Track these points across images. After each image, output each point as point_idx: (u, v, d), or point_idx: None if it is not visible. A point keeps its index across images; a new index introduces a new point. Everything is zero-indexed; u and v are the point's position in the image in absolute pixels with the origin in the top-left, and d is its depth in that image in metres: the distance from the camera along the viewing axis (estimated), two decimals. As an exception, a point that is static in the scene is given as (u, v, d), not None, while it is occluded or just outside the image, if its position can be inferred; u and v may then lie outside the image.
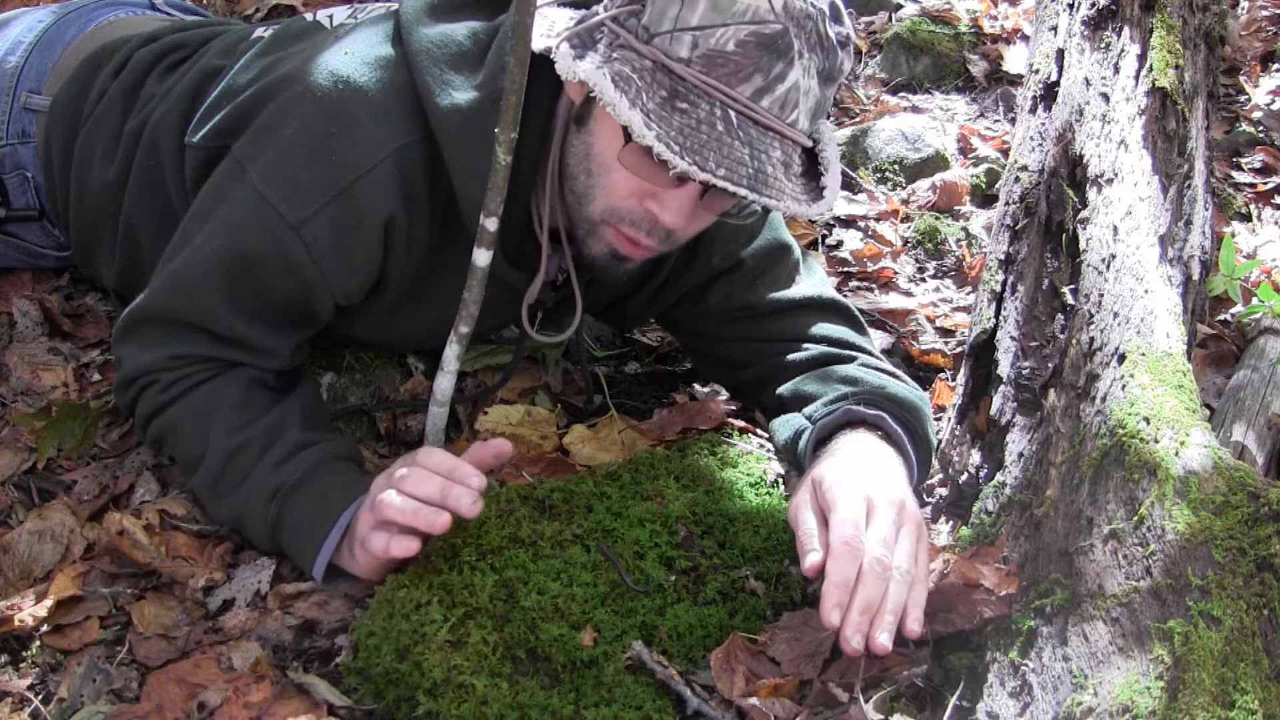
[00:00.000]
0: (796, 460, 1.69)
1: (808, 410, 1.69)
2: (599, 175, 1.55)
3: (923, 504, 1.79)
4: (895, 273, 2.47)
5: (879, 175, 2.82)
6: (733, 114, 1.44)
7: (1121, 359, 1.50)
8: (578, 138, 1.57)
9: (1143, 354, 1.49)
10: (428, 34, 1.61)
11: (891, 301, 2.37)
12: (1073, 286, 1.71)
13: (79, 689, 1.47)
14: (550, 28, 1.56)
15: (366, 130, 1.57)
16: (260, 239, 1.59)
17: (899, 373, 1.77)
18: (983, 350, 1.83)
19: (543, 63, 1.54)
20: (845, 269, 2.48)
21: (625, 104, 1.42)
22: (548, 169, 1.62)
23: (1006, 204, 1.98)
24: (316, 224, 1.58)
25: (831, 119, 3.09)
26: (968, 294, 2.40)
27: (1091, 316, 1.62)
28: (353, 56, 1.61)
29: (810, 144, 1.54)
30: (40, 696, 1.47)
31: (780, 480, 1.76)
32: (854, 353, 1.78)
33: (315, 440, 1.63)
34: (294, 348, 1.72)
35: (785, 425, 1.73)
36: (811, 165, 1.57)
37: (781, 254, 1.87)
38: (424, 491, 1.46)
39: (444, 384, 1.67)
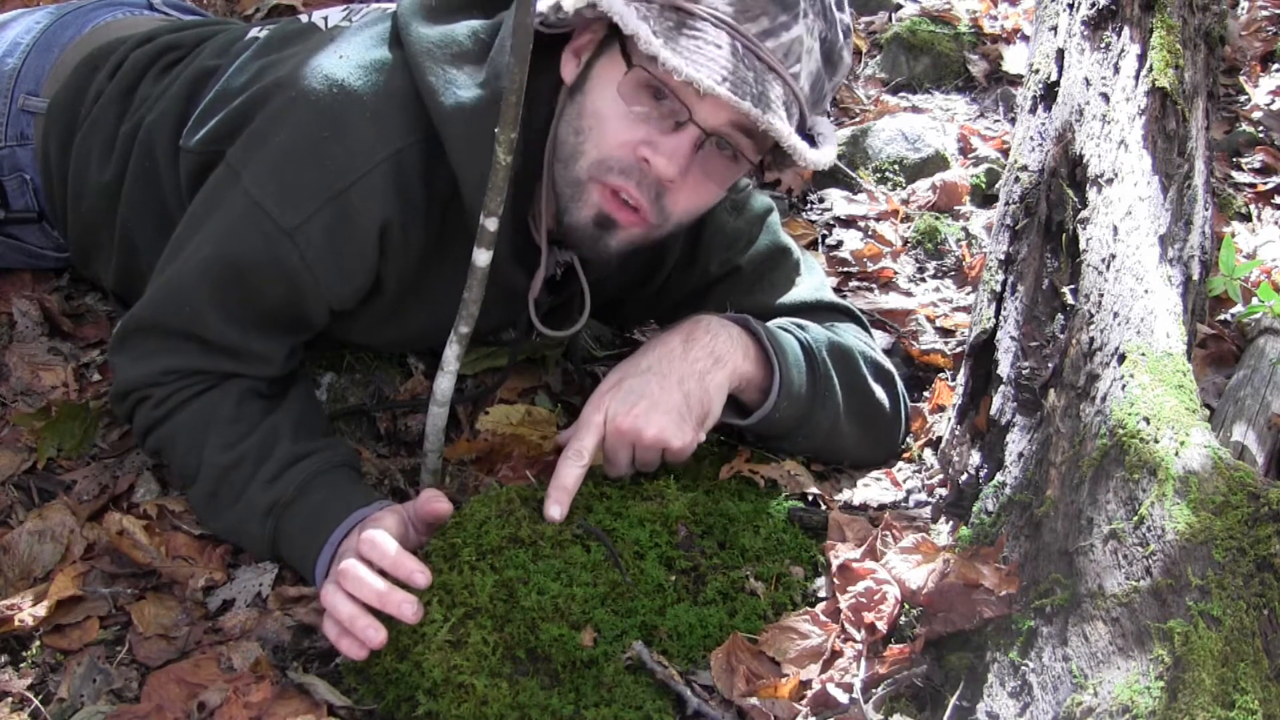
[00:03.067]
0: None
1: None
2: (590, 130, 1.54)
3: (901, 501, 1.80)
4: (895, 273, 2.47)
5: (879, 175, 2.82)
6: (739, 44, 1.45)
7: (1121, 359, 1.50)
8: (571, 107, 1.56)
9: (1143, 354, 1.48)
10: (427, 34, 1.60)
11: (891, 301, 2.37)
12: (1073, 286, 1.71)
13: (79, 689, 1.47)
14: None
15: (361, 135, 1.56)
16: (253, 245, 1.58)
17: (888, 364, 1.80)
18: (983, 350, 1.83)
19: (544, 61, 1.54)
20: (845, 269, 2.48)
21: (633, 16, 1.43)
22: (545, 165, 1.61)
23: (1006, 204, 1.97)
24: (310, 229, 1.57)
25: (832, 118, 3.09)
26: (968, 294, 2.40)
27: (1091, 316, 1.62)
28: (347, 60, 1.60)
29: (807, 110, 1.55)
30: (40, 696, 1.47)
31: (775, 482, 1.76)
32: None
33: (308, 452, 1.63)
34: (287, 354, 1.72)
35: None
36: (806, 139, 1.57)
37: (780, 258, 1.87)
38: (362, 594, 1.41)
39: (444, 384, 1.67)
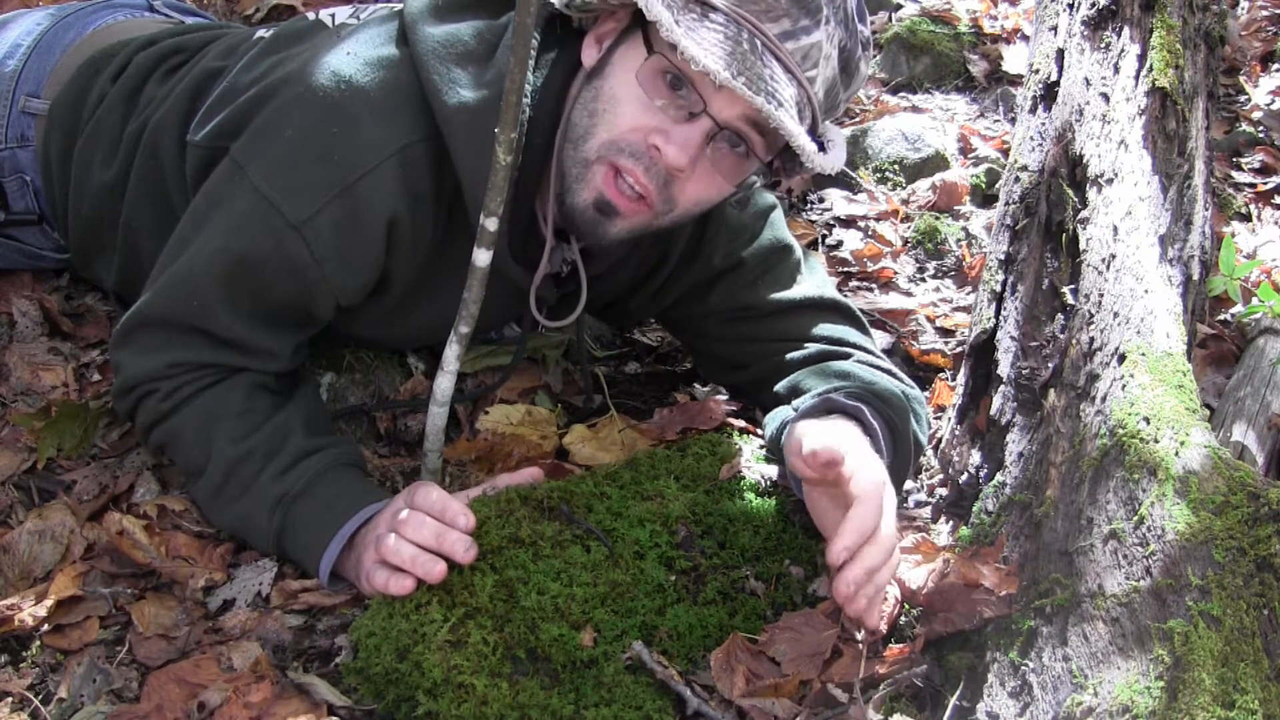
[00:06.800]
0: (779, 450, 1.68)
1: (795, 403, 1.70)
2: (604, 112, 1.55)
3: (902, 502, 1.79)
4: (895, 273, 2.47)
5: (879, 175, 2.82)
6: (759, 42, 1.47)
7: (1121, 359, 1.50)
8: (587, 91, 1.58)
9: (1143, 354, 1.49)
10: (433, 33, 1.61)
11: (891, 301, 2.37)
12: (1073, 286, 1.71)
13: (79, 689, 1.47)
14: None
15: (369, 130, 1.56)
16: (261, 239, 1.59)
17: (896, 370, 1.77)
18: (983, 350, 1.83)
19: (551, 60, 1.55)
20: (845, 269, 2.48)
21: (658, 3, 1.45)
22: (553, 164, 1.61)
23: (1006, 204, 1.98)
24: (318, 224, 1.57)
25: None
26: (968, 294, 2.40)
27: (1091, 316, 1.62)
28: (355, 57, 1.61)
29: (819, 116, 1.56)
30: (40, 696, 1.47)
31: (775, 482, 1.76)
32: (852, 350, 1.77)
33: (319, 447, 1.63)
34: (294, 349, 1.72)
35: (774, 418, 1.73)
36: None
37: (783, 254, 1.87)
38: (421, 537, 1.47)
39: (444, 384, 1.67)
